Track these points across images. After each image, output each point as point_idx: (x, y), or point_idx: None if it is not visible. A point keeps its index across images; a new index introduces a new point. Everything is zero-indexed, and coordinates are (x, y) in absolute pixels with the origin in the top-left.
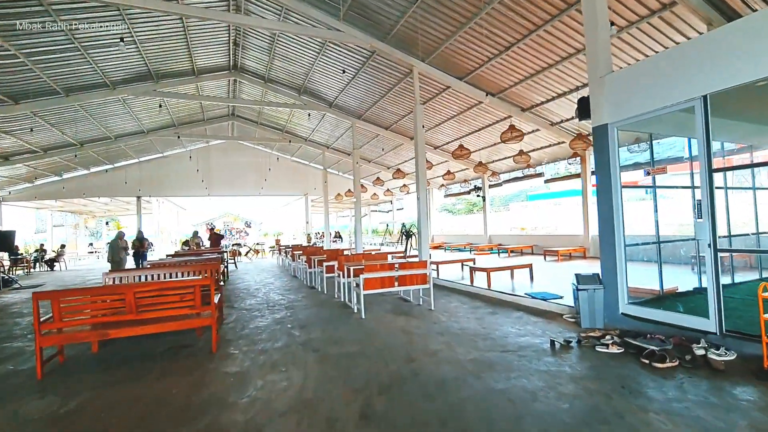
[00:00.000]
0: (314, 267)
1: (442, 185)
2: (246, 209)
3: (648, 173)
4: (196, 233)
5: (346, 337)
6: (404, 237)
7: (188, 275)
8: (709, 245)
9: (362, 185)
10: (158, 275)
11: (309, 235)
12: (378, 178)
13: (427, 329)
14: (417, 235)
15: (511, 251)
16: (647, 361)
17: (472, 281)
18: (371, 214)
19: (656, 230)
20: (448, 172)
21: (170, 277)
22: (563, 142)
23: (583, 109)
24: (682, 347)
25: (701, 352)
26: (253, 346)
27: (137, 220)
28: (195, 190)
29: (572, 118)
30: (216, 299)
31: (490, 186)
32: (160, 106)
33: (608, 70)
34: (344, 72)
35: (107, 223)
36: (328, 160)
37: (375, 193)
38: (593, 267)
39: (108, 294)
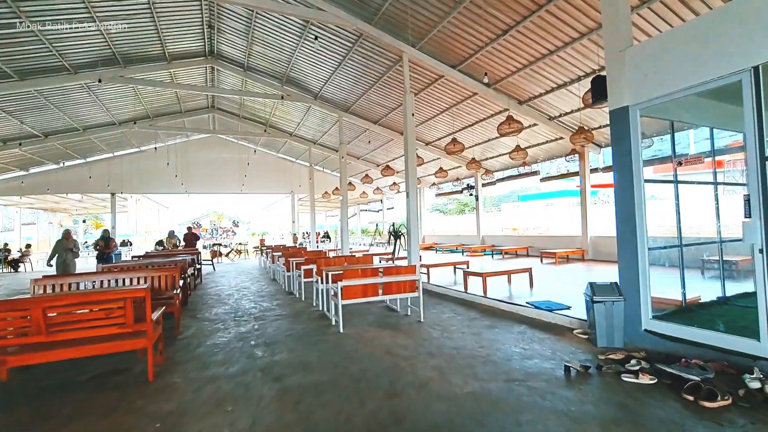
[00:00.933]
0: (293, 270)
1: (434, 184)
2: (233, 208)
3: (680, 163)
4: (172, 233)
5: (317, 360)
6: (393, 238)
7: (142, 282)
8: (761, 250)
9: (350, 183)
10: (103, 282)
11: (295, 235)
12: (366, 176)
13: (415, 348)
14: (406, 236)
15: (506, 253)
16: (691, 398)
17: (466, 287)
18: (361, 213)
19: (678, 232)
20: (440, 170)
21: (119, 285)
22: (561, 138)
23: (599, 89)
24: (727, 376)
25: (756, 384)
26: (203, 371)
27: (111, 219)
28: (172, 187)
29: (572, 111)
30: (156, 314)
31: (484, 185)
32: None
33: (629, 43)
34: (317, 39)
35: (84, 221)
36: (315, 157)
37: (364, 192)
38: (594, 270)
39: (7, 310)
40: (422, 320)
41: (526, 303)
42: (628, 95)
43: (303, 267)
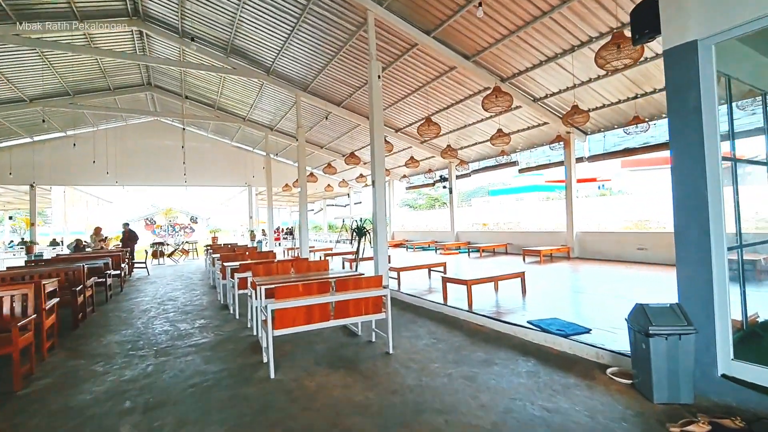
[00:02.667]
0: (227, 278)
1: (404, 176)
2: (192, 203)
3: None
4: (98, 230)
5: None
6: (356, 235)
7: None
8: None
9: (311, 174)
10: None
11: (252, 232)
12: (329, 165)
13: (379, 410)
14: (372, 233)
15: (483, 251)
16: None
17: (445, 298)
18: (327, 208)
19: (737, 227)
20: (412, 159)
21: None
22: (545, 124)
23: (644, 21)
24: None
25: None
26: None
27: (30, 214)
28: (100, 179)
29: (560, 91)
30: None
31: (458, 177)
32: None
33: None
34: None
35: (11, 218)
36: (274, 146)
37: (329, 185)
38: (586, 271)
39: None
40: (391, 351)
41: (529, 323)
42: (695, 24)
43: (237, 275)
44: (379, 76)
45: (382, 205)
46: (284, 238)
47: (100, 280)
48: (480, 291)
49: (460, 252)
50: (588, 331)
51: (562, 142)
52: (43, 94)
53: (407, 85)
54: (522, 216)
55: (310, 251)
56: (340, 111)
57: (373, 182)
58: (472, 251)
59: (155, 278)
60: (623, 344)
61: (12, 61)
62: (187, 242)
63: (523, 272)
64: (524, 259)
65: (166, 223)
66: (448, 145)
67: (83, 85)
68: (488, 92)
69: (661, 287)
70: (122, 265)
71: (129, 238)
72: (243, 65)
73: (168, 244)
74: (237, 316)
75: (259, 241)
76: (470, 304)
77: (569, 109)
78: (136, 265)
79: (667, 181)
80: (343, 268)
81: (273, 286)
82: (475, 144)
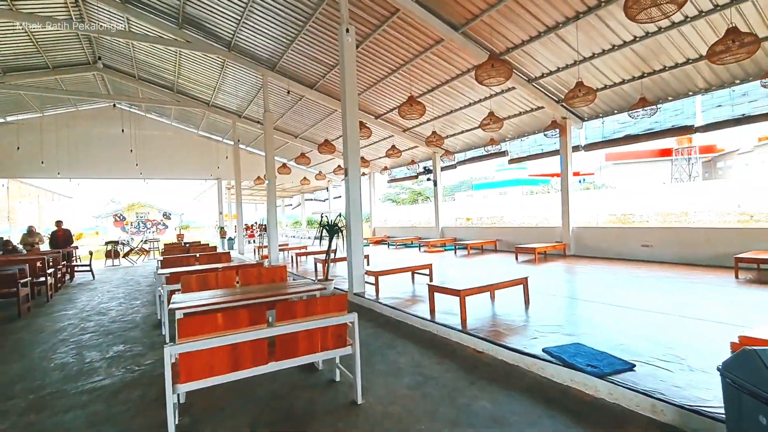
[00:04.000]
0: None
1: (386, 168)
2: (166, 197)
3: None
4: (31, 230)
5: None
6: (327, 233)
7: None
8: None
9: (285, 165)
10: None
11: (222, 228)
12: (302, 155)
13: None
14: (346, 231)
15: (471, 248)
16: None
17: (432, 311)
18: (306, 203)
19: None
20: (393, 149)
21: None
22: (540, 108)
23: None
24: None
25: None
26: None
27: None
28: (44, 171)
29: (560, 69)
30: None
31: (443, 168)
32: None
33: None
34: None
35: None
36: (245, 135)
37: (305, 178)
38: (584, 271)
39: None
40: (359, 400)
41: (545, 351)
42: None
43: (167, 287)
44: (347, 30)
45: (357, 198)
46: (259, 235)
47: (11, 290)
48: (475, 301)
49: (445, 249)
50: (631, 367)
51: (557, 129)
52: None
53: (387, 64)
54: (506, 210)
55: (281, 250)
56: (314, 94)
57: (346, 171)
58: (459, 248)
59: (99, 283)
60: (691, 390)
61: None
62: (147, 240)
63: (526, 278)
64: (517, 258)
65: (136, 219)
66: (433, 132)
67: (14, 61)
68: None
69: (691, 295)
70: (50, 271)
71: (63, 238)
72: (199, 38)
73: (124, 243)
74: (167, 339)
75: (230, 239)
76: (464, 322)
77: (567, 91)
78: (78, 269)
79: (651, 174)
80: (315, 270)
81: (190, 310)
82: (462, 132)
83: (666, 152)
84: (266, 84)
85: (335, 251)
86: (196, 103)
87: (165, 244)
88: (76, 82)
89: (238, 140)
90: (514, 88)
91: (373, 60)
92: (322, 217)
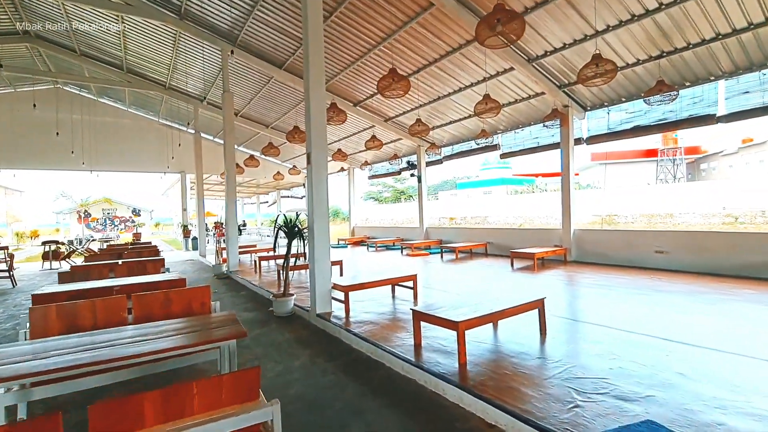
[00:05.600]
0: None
1: (366, 163)
2: (134, 194)
3: None
4: None
5: None
6: (286, 237)
7: None
8: None
9: (252, 157)
10: None
11: (186, 227)
12: (270, 145)
13: None
14: (308, 234)
15: (459, 251)
16: None
17: (418, 344)
18: (282, 200)
19: None
20: (373, 139)
21: None
22: (538, 95)
23: None
24: None
25: None
26: None
27: None
28: None
29: (566, 46)
30: None
31: (428, 163)
32: None
33: None
34: None
35: None
36: (211, 123)
37: (279, 172)
38: (595, 281)
39: None
40: None
41: None
42: None
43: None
44: None
45: (323, 192)
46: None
47: None
48: (477, 334)
49: (430, 252)
50: None
51: (558, 119)
52: None
53: (365, 38)
54: (491, 210)
55: (243, 252)
56: (283, 75)
57: (309, 156)
58: (446, 251)
59: (16, 293)
60: None
61: None
62: (93, 240)
63: (542, 300)
64: (512, 264)
65: (102, 215)
66: (418, 120)
67: None
68: (472, 44)
69: (757, 320)
70: None
71: None
72: (142, 0)
73: (61, 243)
74: None
75: (195, 238)
76: (463, 368)
77: (571, 73)
78: None
79: (636, 175)
80: (279, 279)
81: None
82: (450, 123)
83: (651, 153)
84: (225, 59)
85: (297, 257)
86: (150, 85)
87: (108, 245)
88: (6, 55)
89: (189, 123)
90: (512, 68)
91: (349, 34)
92: (277, 216)
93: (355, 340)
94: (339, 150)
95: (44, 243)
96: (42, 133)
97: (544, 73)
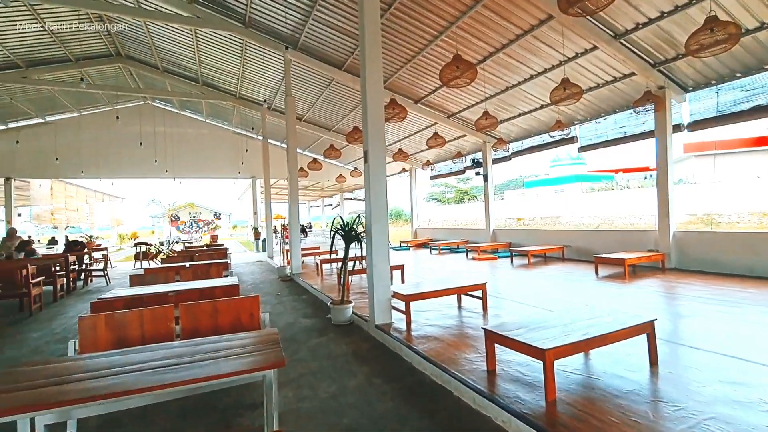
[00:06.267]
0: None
1: (428, 162)
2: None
3: None
4: (12, 232)
5: None
6: (344, 240)
7: None
8: None
9: (315, 160)
10: None
11: (256, 229)
12: (331, 146)
13: None
14: (366, 237)
15: (532, 255)
16: None
17: (492, 370)
18: (345, 203)
19: None
20: (436, 136)
21: None
22: (626, 77)
23: None
24: None
25: None
26: None
27: (6, 212)
28: (77, 171)
29: (664, 15)
30: None
31: (495, 161)
32: None
33: None
34: None
35: (20, 215)
36: (277, 130)
37: (341, 175)
38: (709, 296)
39: None
40: None
41: None
42: None
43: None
44: None
45: (382, 192)
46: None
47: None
48: (572, 363)
49: (499, 256)
50: None
51: (651, 104)
52: None
53: (426, 30)
54: (564, 210)
55: (306, 255)
56: (343, 76)
57: (366, 154)
58: (516, 256)
59: (107, 290)
60: None
61: None
62: (178, 242)
63: (652, 323)
64: (597, 272)
65: (189, 219)
66: (485, 112)
67: (35, 54)
68: (550, 22)
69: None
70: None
71: (73, 242)
72: (211, 13)
73: (150, 245)
74: None
75: (263, 240)
76: (553, 412)
77: (669, 49)
78: (94, 273)
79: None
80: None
81: None
82: (519, 115)
83: (763, 140)
84: (288, 63)
85: (355, 261)
86: (223, 95)
87: (186, 247)
88: (103, 76)
89: (252, 128)
90: (594, 48)
91: (408, 26)
92: (334, 219)
93: (417, 359)
94: (400, 150)
95: (136, 244)
96: (128, 146)
97: (635, 50)
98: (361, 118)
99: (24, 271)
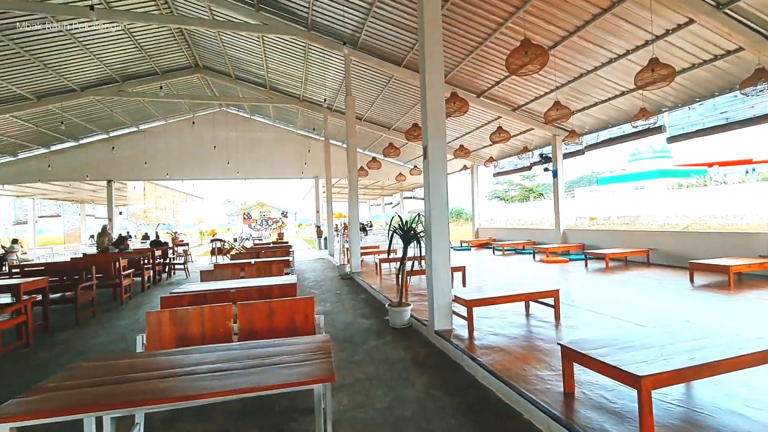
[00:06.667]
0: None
1: (491, 159)
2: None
3: None
4: (105, 228)
5: None
6: (402, 240)
7: None
8: None
9: (374, 159)
10: None
11: (319, 227)
12: (390, 145)
13: None
14: (425, 237)
15: (610, 259)
16: None
17: (569, 392)
18: (405, 201)
19: None
20: (500, 131)
21: None
22: (730, 53)
23: None
24: None
25: None
26: None
27: (108, 210)
28: (160, 174)
29: None
30: None
31: (565, 155)
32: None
33: None
34: None
35: (120, 213)
36: (338, 130)
37: (401, 173)
38: None
39: None
40: None
41: None
42: None
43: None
44: None
45: (442, 189)
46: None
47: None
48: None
49: (570, 259)
50: None
51: (765, 83)
52: (91, 82)
53: (489, 18)
54: (643, 208)
55: (365, 254)
56: (403, 72)
57: (425, 150)
58: (591, 259)
59: (186, 283)
60: None
61: (46, 47)
62: (247, 239)
63: None
64: (692, 280)
65: (260, 217)
66: (556, 102)
67: (128, 69)
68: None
69: None
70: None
71: (158, 238)
72: (276, 19)
73: (224, 241)
74: None
75: (325, 238)
76: None
77: None
78: (177, 267)
79: None
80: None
81: None
82: (594, 105)
83: None
84: (348, 63)
85: (414, 261)
86: (288, 99)
87: (254, 244)
88: (185, 86)
89: (314, 129)
90: (690, 22)
91: (470, 15)
92: (392, 218)
93: (482, 373)
94: (461, 146)
95: (212, 241)
96: (204, 149)
97: (744, 20)
98: (421, 111)
99: (116, 264)
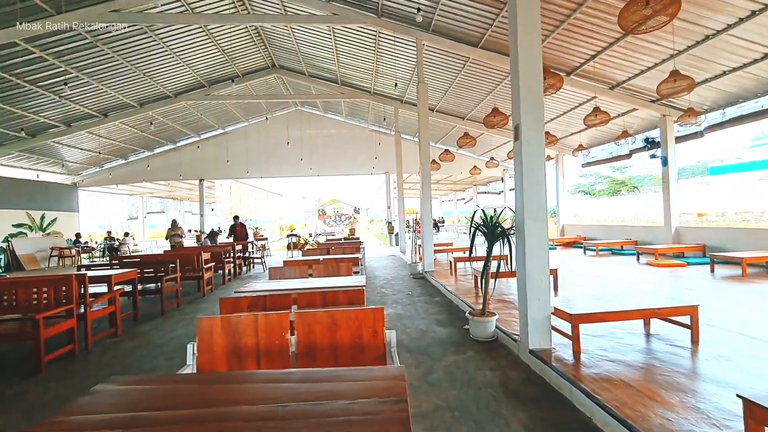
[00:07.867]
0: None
1: (581, 147)
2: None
3: None
4: (174, 223)
5: None
6: (486, 237)
7: None
8: None
9: (447, 152)
10: None
11: (390, 223)
12: (465, 134)
13: None
14: (517, 234)
15: (748, 265)
16: None
17: None
18: (478, 196)
19: None
20: (596, 112)
21: None
22: None
23: None
24: None
25: None
26: None
27: (200, 206)
28: (243, 173)
29: None
30: None
31: (678, 139)
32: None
33: None
34: None
35: (212, 210)
36: (409, 124)
37: (475, 166)
38: None
39: None
40: None
41: None
42: None
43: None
44: None
45: (538, 177)
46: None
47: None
48: None
49: (688, 263)
50: None
51: None
52: (183, 88)
53: None
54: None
55: (439, 251)
56: (479, 54)
57: (517, 129)
58: (718, 263)
59: (263, 276)
60: None
61: (145, 56)
62: (321, 234)
63: None
64: None
65: (333, 213)
66: (673, 72)
67: (213, 74)
68: None
69: None
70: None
71: (241, 233)
72: (345, 8)
73: (299, 236)
74: None
75: (396, 234)
76: None
77: None
78: (255, 261)
79: None
80: (476, 286)
81: None
82: (720, 75)
83: None
84: (420, 50)
85: (499, 265)
86: (359, 93)
87: (328, 239)
88: (263, 86)
89: (384, 120)
90: None
91: None
92: (474, 212)
93: (601, 415)
94: (546, 133)
95: (288, 236)
96: (279, 147)
97: None
98: (511, 84)
99: (199, 257)
